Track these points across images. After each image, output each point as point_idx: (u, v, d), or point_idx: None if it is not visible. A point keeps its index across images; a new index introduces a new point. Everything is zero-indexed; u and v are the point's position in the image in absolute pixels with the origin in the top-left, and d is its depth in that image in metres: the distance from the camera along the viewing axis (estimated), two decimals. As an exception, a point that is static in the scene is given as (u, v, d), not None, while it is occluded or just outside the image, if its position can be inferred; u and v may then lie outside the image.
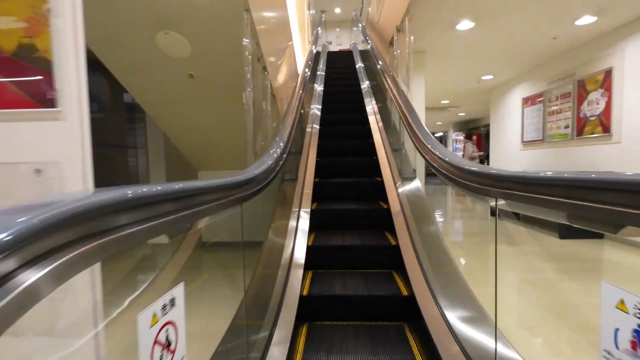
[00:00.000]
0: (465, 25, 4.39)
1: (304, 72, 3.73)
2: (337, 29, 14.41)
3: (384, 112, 4.26)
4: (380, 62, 4.14)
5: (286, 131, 2.39)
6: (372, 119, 4.29)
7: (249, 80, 2.40)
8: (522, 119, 7.00)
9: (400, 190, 2.78)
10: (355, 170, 3.37)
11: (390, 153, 3.33)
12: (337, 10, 13.75)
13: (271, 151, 2.08)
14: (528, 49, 5.33)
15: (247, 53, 2.39)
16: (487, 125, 12.85)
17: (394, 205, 2.60)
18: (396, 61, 4.74)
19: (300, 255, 2.16)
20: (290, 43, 4.98)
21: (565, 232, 4.68)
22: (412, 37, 4.12)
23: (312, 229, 2.46)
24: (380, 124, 4.10)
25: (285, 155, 2.21)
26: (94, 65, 3.08)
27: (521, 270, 3.52)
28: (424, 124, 2.22)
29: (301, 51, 6.48)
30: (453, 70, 6.59)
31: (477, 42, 5.06)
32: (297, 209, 2.59)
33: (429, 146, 1.78)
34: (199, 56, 2.84)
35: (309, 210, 2.62)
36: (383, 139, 3.68)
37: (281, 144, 2.17)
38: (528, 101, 6.78)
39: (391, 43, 5.41)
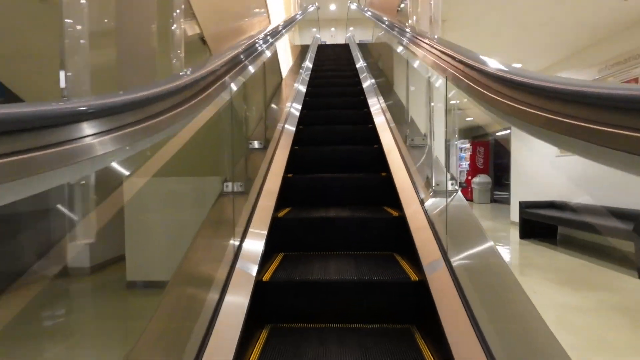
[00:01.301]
0: (510, -31, 3.04)
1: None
2: (333, 29, 13.25)
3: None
4: (408, 31, 2.45)
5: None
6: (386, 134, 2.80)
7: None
8: (558, 119, 5.62)
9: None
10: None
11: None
12: (332, 7, 12.57)
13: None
14: (584, 18, 3.98)
15: None
16: (495, 133, 11.52)
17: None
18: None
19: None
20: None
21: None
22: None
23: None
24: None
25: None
26: None
27: None
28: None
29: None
30: (474, 55, 5.23)
31: (515, 9, 3.71)
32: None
33: None
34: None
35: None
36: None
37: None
38: (567, 96, 5.42)
39: (398, 11, 4.07)
